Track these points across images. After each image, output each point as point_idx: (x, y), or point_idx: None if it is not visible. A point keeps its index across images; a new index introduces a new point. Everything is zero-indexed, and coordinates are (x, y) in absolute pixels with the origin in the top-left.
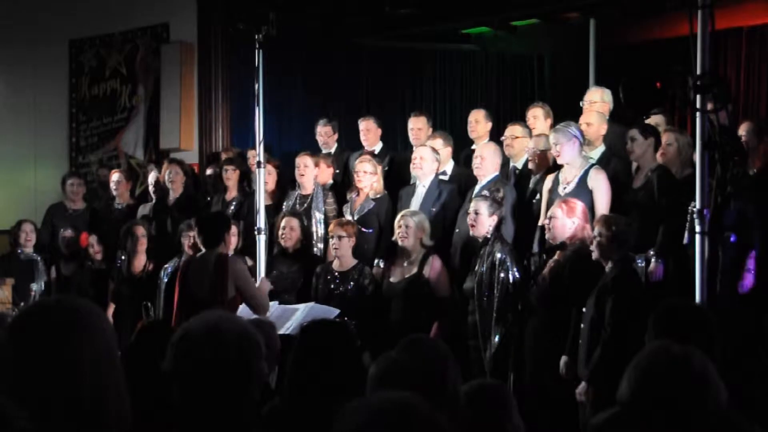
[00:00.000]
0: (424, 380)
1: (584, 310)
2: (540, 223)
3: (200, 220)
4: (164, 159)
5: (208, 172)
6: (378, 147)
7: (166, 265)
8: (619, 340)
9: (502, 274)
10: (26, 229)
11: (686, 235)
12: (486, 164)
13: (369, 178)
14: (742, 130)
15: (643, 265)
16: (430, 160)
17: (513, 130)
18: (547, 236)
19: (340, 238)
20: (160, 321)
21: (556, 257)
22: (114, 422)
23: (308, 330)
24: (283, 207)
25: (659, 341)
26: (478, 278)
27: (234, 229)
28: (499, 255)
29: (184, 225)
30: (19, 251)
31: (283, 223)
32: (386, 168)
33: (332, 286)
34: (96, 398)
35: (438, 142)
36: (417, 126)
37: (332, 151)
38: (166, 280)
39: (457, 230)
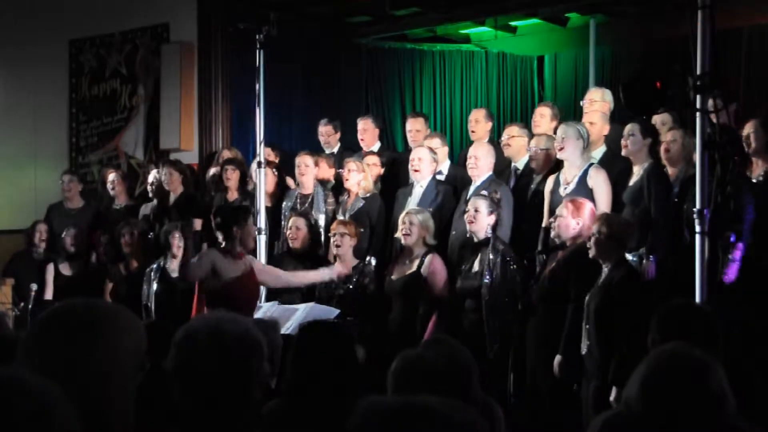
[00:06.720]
0: (450, 380)
1: (585, 308)
2: (544, 225)
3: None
4: (161, 159)
5: (211, 172)
6: (376, 147)
7: (152, 265)
8: (639, 340)
9: (501, 275)
10: (41, 229)
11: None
12: (480, 164)
13: (355, 176)
14: (748, 129)
15: (636, 263)
16: (428, 160)
17: (510, 131)
18: (552, 235)
19: (342, 236)
20: (160, 321)
21: (556, 257)
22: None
23: (306, 330)
24: (283, 206)
25: (678, 345)
26: (477, 279)
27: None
28: (498, 256)
29: (171, 226)
30: (33, 251)
31: (290, 223)
32: (384, 168)
33: (333, 285)
34: (98, 399)
35: (435, 142)
36: (415, 127)
37: (335, 150)
38: (154, 278)
39: (453, 232)
